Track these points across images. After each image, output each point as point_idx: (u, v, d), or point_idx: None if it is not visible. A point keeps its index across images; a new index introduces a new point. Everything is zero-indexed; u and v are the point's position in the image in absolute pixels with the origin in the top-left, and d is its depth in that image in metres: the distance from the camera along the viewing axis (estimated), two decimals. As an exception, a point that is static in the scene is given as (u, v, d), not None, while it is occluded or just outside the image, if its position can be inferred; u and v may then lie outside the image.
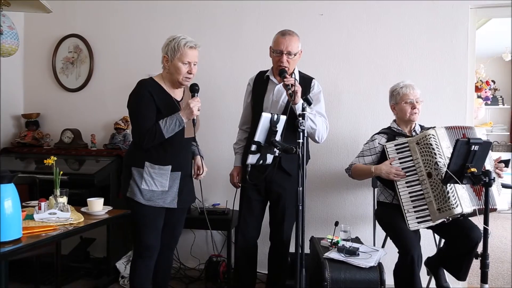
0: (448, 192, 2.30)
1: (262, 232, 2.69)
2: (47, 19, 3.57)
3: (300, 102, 2.32)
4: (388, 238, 2.59)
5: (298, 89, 2.31)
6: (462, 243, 2.34)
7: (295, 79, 2.37)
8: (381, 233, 2.70)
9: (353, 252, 2.34)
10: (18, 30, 3.00)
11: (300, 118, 1.96)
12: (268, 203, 2.65)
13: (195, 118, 2.23)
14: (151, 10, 3.58)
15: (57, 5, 3.37)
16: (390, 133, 2.65)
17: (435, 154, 2.38)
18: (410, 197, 2.44)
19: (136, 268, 2.29)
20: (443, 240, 2.62)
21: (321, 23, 3.25)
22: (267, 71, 2.62)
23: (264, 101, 2.54)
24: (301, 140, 1.95)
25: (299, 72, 2.59)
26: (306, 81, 2.56)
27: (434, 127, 2.52)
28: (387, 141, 2.60)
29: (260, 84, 2.61)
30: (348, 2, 3.20)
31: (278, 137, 2.14)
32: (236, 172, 2.68)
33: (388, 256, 2.49)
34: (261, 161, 2.16)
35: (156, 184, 2.23)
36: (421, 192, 2.43)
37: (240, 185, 2.66)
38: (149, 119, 2.18)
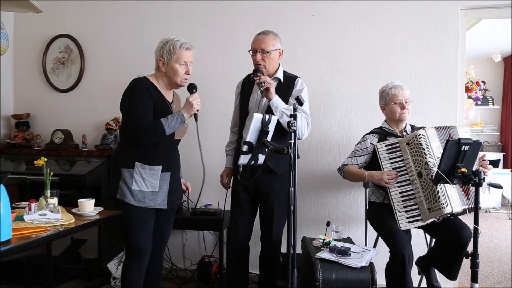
0: (438, 192, 2.32)
1: (254, 232, 2.69)
2: (38, 19, 3.54)
3: (275, 98, 2.39)
4: (380, 238, 2.61)
5: (270, 85, 2.37)
6: (452, 242, 2.36)
7: (259, 75, 2.39)
8: (372, 233, 2.71)
9: (344, 252, 2.35)
10: (8, 30, 2.98)
11: (292, 119, 1.97)
12: (259, 204, 2.66)
13: (196, 113, 2.25)
14: (142, 10, 3.57)
15: (47, 5, 3.34)
16: (381, 133, 2.67)
17: (425, 154, 2.40)
18: (401, 197, 2.46)
19: (128, 271, 2.26)
20: (434, 240, 2.64)
21: (312, 24, 3.27)
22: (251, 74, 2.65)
23: (249, 101, 2.59)
24: (292, 140, 1.96)
25: (284, 71, 2.61)
26: (290, 80, 2.58)
27: (425, 127, 2.54)
28: (378, 141, 2.62)
29: (246, 86, 2.65)
30: (339, 3, 3.22)
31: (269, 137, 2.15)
32: (226, 173, 2.71)
33: (379, 256, 2.50)
34: (252, 162, 2.16)
35: (147, 184, 2.22)
36: (412, 192, 2.45)
37: (230, 186, 2.68)
38: (149, 116, 2.17)
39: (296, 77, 2.61)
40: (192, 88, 2.30)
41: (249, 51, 2.55)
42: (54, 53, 3.77)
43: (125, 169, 2.21)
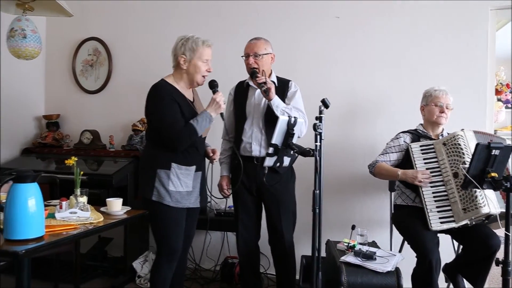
0: (475, 191, 2.27)
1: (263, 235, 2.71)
2: (68, 23, 3.63)
3: (275, 98, 2.43)
4: (406, 242, 2.57)
5: (271, 86, 2.42)
6: (480, 249, 2.31)
7: (259, 76, 2.46)
8: (398, 237, 2.67)
9: (370, 256, 2.32)
10: (40, 34, 3.07)
11: (318, 121, 1.97)
12: (263, 206, 2.68)
13: (223, 112, 2.29)
14: (168, 13, 3.63)
15: (77, 9, 3.44)
16: (415, 134, 2.65)
17: (463, 154, 2.35)
18: (434, 197, 2.41)
19: (160, 272, 2.25)
20: (461, 246, 2.58)
21: (337, 26, 3.25)
22: (245, 80, 2.70)
23: (246, 106, 2.62)
24: (318, 143, 1.95)
25: (277, 76, 2.67)
26: (284, 83, 2.65)
27: (463, 129, 2.50)
28: (411, 141, 2.60)
29: (241, 92, 2.69)
30: (364, 5, 3.19)
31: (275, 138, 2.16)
32: (225, 182, 2.69)
33: (405, 261, 2.46)
34: (278, 164, 2.17)
35: (182, 185, 2.23)
36: (445, 193, 2.40)
37: (229, 194, 2.69)
38: (179, 121, 2.18)
39: (289, 80, 2.68)
40: (214, 86, 2.32)
41: (242, 56, 2.62)
42: (83, 55, 3.88)
43: (161, 170, 2.19)
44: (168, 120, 2.16)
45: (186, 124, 2.18)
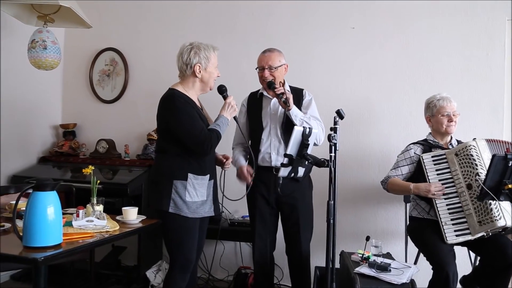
0: (490, 204, 2.23)
1: (280, 245, 2.69)
2: (86, 33, 3.72)
3: (294, 108, 2.44)
4: (421, 254, 2.54)
5: (290, 96, 2.44)
6: (498, 260, 2.28)
7: (277, 87, 2.48)
8: (413, 249, 2.64)
9: (384, 268, 2.30)
10: (59, 45, 3.14)
11: (332, 132, 1.97)
12: (280, 215, 2.67)
13: (236, 115, 2.34)
14: (184, 24, 3.68)
15: (95, 21, 3.50)
16: (426, 145, 2.62)
17: (476, 165, 2.33)
18: (448, 209, 2.39)
19: (174, 283, 2.24)
20: (479, 258, 2.54)
21: (352, 36, 3.26)
22: (258, 91, 2.71)
23: (262, 116, 2.62)
24: (332, 154, 1.95)
25: (289, 85, 2.68)
26: (297, 92, 2.66)
27: (475, 138, 2.47)
28: (422, 152, 2.57)
29: (254, 103, 2.70)
30: (379, 15, 3.20)
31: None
32: (245, 168, 2.56)
33: (420, 273, 2.43)
34: (292, 174, 2.17)
35: (198, 194, 2.24)
36: (459, 204, 2.37)
37: (251, 180, 2.59)
38: (204, 127, 2.21)
39: (302, 89, 2.69)
40: (224, 91, 2.36)
41: (256, 68, 2.63)
42: (101, 65, 3.94)
43: (177, 181, 2.20)
44: (198, 127, 2.19)
45: (212, 130, 2.22)
